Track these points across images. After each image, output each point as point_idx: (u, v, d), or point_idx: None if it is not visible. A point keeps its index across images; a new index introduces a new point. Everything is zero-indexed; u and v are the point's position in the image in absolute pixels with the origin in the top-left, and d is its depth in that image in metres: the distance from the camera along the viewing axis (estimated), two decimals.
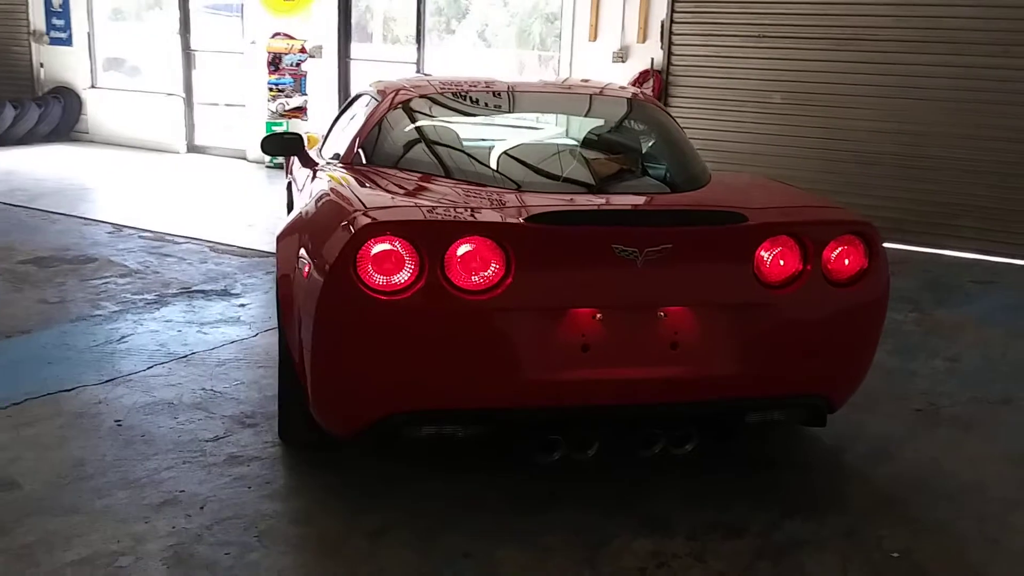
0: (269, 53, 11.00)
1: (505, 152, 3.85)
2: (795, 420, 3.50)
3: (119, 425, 3.88)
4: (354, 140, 4.14)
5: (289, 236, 3.48)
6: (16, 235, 7.10)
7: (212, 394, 4.24)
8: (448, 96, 4.20)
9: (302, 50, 10.94)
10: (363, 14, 12.70)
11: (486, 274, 2.95)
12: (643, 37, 9.00)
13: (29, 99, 12.35)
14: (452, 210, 3.10)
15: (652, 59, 8.96)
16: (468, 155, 3.80)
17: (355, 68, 10.91)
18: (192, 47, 11.98)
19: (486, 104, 4.27)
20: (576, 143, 4.16)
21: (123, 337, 4.94)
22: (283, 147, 4.93)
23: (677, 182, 3.71)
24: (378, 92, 4.35)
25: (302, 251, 3.21)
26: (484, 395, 3.05)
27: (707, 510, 3.36)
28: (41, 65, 13.01)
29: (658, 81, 8.94)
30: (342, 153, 4.15)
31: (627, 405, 3.16)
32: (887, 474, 3.76)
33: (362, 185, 3.47)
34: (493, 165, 3.72)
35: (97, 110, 12.65)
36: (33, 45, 12.96)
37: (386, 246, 2.90)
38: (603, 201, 3.43)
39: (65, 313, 5.32)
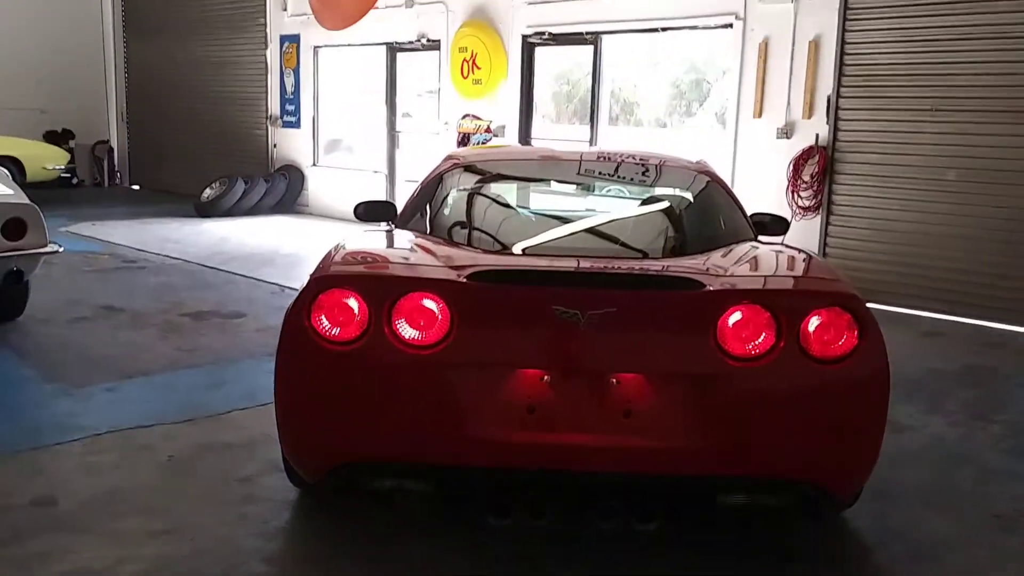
0: (459, 133, 11.64)
1: (511, 220, 3.92)
2: (789, 509, 3.22)
3: (170, 460, 4.24)
4: (405, 205, 4.37)
5: None
6: (191, 292, 7.93)
7: (266, 438, 4.51)
8: (493, 166, 4.34)
9: (487, 130, 11.48)
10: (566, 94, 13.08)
11: (430, 329, 3.01)
12: (809, 113, 8.69)
13: (260, 175, 13.75)
14: (403, 267, 3.20)
15: (817, 135, 8.62)
16: (483, 222, 3.90)
17: (535, 145, 11.29)
18: (396, 128, 12.89)
19: (529, 173, 4.35)
20: (597, 210, 4.14)
21: (223, 383, 5.38)
22: (376, 214, 5.23)
23: (677, 249, 3.60)
24: (442, 161, 4.57)
25: None
26: (430, 450, 3.09)
27: None
28: (275, 145, 14.49)
29: (823, 158, 8.57)
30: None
31: (577, 472, 3.06)
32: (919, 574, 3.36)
33: (359, 245, 3.64)
34: (497, 231, 3.79)
35: (317, 186, 13.86)
36: (269, 128, 14.48)
37: (337, 298, 3.05)
38: (558, 263, 3.38)
39: (191, 360, 5.87)
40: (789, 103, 8.82)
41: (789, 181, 8.78)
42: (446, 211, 4.03)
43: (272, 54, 14.23)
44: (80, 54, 17.06)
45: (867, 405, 3.09)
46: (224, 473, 4.10)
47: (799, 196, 8.75)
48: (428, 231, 3.91)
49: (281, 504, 3.80)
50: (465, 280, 3.01)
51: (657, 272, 3.24)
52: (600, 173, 4.26)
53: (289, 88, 14.08)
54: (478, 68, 11.32)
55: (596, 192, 4.34)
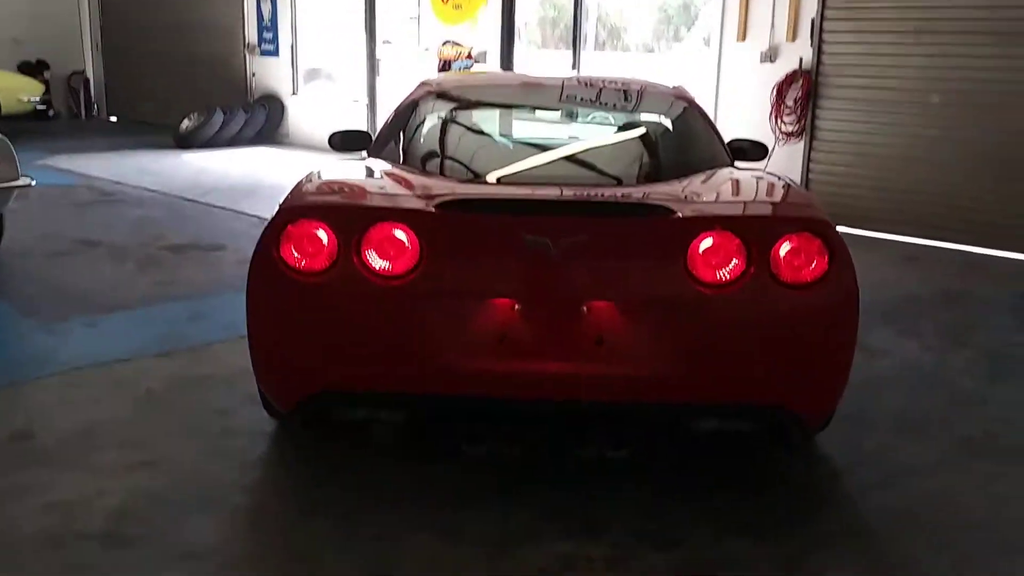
0: (440, 60, 11.46)
1: (486, 148, 3.87)
2: (761, 433, 3.26)
3: (148, 393, 4.24)
4: (378, 134, 4.31)
5: None
6: (170, 225, 7.86)
7: (244, 370, 4.49)
8: (466, 94, 4.27)
9: (468, 56, 11.31)
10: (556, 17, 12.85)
11: (399, 259, 2.99)
12: (793, 36, 8.57)
13: (239, 106, 13.53)
14: (372, 197, 3.16)
15: (800, 59, 8.51)
16: (456, 150, 3.85)
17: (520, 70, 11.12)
18: (376, 56, 12.67)
19: (505, 100, 4.29)
20: (573, 136, 4.09)
21: (202, 316, 5.37)
22: (351, 144, 5.16)
23: (652, 175, 3.57)
24: (416, 88, 4.49)
25: None
26: (401, 380, 3.09)
27: (651, 521, 3.21)
28: (253, 75, 14.24)
29: (807, 82, 8.48)
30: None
31: (549, 401, 3.08)
32: (884, 504, 3.40)
33: (329, 175, 3.59)
34: (471, 160, 3.74)
35: (297, 116, 13.66)
36: (247, 57, 14.21)
37: (306, 229, 3.02)
38: (527, 191, 3.35)
39: (169, 293, 5.84)
40: (773, 26, 8.69)
41: (772, 106, 8.70)
42: (419, 140, 3.98)
43: None
44: None
45: (837, 330, 3.10)
46: (202, 406, 4.11)
47: (782, 121, 8.68)
48: (401, 160, 3.86)
49: (259, 436, 3.82)
50: (434, 209, 2.98)
51: (627, 199, 3.21)
52: (577, 99, 4.20)
53: (266, 15, 13.78)
54: None
55: (572, 119, 4.28)
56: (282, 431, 3.83)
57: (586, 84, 4.28)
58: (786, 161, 8.71)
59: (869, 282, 6.34)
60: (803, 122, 8.60)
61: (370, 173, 3.65)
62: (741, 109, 8.94)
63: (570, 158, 3.78)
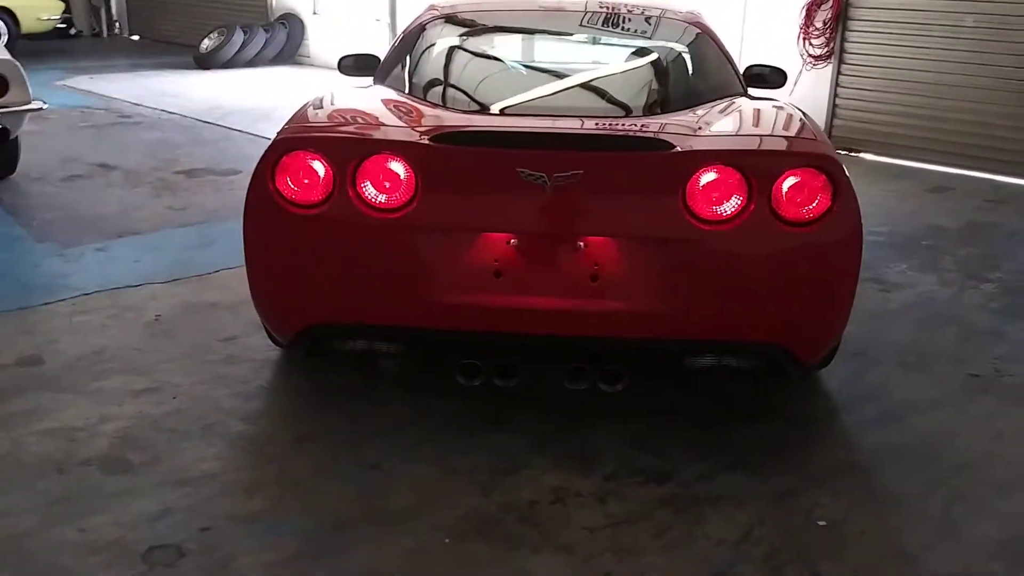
0: None
1: (493, 77, 3.78)
2: (755, 371, 3.23)
3: (156, 320, 4.28)
4: (384, 59, 4.24)
5: None
6: (187, 148, 7.84)
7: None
8: (475, 19, 4.17)
9: None
10: None
11: (395, 192, 2.96)
12: None
13: (258, 25, 13.37)
14: (368, 128, 3.11)
15: None
16: (460, 79, 3.77)
17: None
18: None
19: (511, 25, 4.18)
20: (582, 64, 3.98)
21: (213, 241, 5.38)
22: (361, 68, 5.07)
23: (660, 105, 3.48)
24: (424, 10, 4.39)
25: None
26: (396, 313, 3.09)
27: (644, 454, 3.22)
28: None
29: (837, 3, 8.20)
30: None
31: (544, 335, 3.06)
32: (880, 441, 3.38)
33: (328, 103, 3.54)
34: (476, 89, 3.66)
35: (317, 35, 13.48)
36: None
37: (301, 161, 2.98)
38: (524, 123, 3.28)
39: (182, 218, 5.86)
40: None
41: (800, 28, 8.45)
42: (423, 67, 3.89)
43: None
44: None
45: (838, 269, 3.04)
46: (208, 333, 4.14)
47: (810, 44, 8.44)
48: (406, 88, 3.79)
49: (262, 363, 3.85)
50: (428, 142, 2.93)
51: (624, 133, 3.13)
52: (589, 25, 4.08)
53: None
54: None
55: (583, 46, 4.16)
56: (285, 358, 3.86)
57: (599, 9, 4.16)
58: (814, 86, 8.50)
59: (893, 213, 6.34)
60: (832, 45, 8.35)
61: (371, 102, 3.58)
62: (768, 31, 8.69)
63: (577, 87, 3.68)
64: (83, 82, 11.31)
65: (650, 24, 4.09)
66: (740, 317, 3.04)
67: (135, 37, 16.90)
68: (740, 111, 3.48)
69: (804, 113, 3.55)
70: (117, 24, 17.06)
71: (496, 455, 3.19)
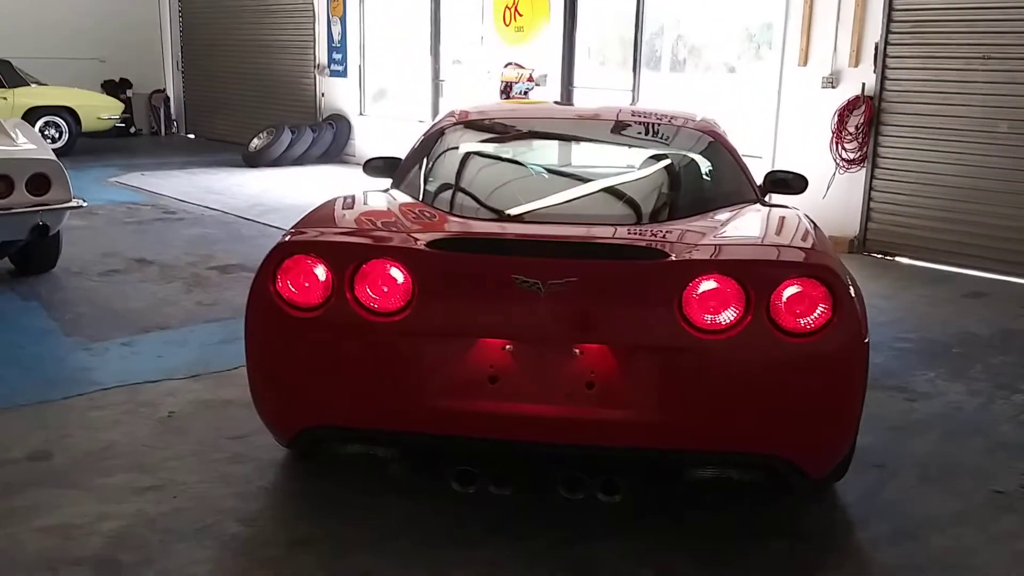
0: (502, 82, 11.49)
1: (503, 183, 3.83)
2: (761, 484, 3.13)
3: (169, 416, 4.31)
4: (402, 162, 4.33)
5: None
6: (223, 245, 8.03)
7: None
8: (491, 125, 4.26)
9: (530, 79, 11.31)
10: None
11: (392, 297, 2.98)
12: (855, 61, 8.34)
13: (307, 125, 13.79)
14: (369, 233, 3.15)
15: (863, 84, 8.27)
16: (469, 185, 3.82)
17: (577, 95, 11.09)
18: (440, 77, 12.79)
19: (526, 134, 4.26)
20: (586, 173, 4.02)
21: (236, 338, 5.42)
22: (384, 171, 5.18)
23: (665, 214, 3.49)
24: (443, 116, 4.50)
25: None
26: (392, 417, 3.07)
27: (644, 570, 3.12)
28: (322, 95, 14.52)
29: (869, 108, 8.23)
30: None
31: (539, 443, 3.02)
32: (894, 560, 3.23)
33: (338, 207, 3.60)
34: (485, 195, 3.71)
35: (364, 135, 13.86)
36: (317, 77, 14.50)
37: (301, 264, 3.03)
38: (520, 230, 3.31)
39: (209, 314, 5.95)
40: (836, 50, 8.47)
41: (833, 132, 8.47)
42: (435, 172, 3.96)
43: (319, 1, 14.18)
44: (137, 3, 17.25)
45: (840, 381, 2.97)
46: (218, 431, 4.16)
47: (843, 148, 8.45)
48: (419, 192, 3.85)
49: (267, 464, 3.84)
50: (425, 247, 2.96)
51: (618, 241, 3.13)
52: (600, 134, 4.16)
53: (336, 36, 14.04)
54: (520, 15, 11.14)
55: (594, 153, 4.22)
56: (290, 458, 3.85)
57: (613, 118, 4.23)
58: (847, 190, 8.49)
59: (925, 319, 6.22)
60: (865, 149, 8.36)
61: (379, 205, 3.65)
62: (801, 135, 8.74)
63: (584, 194, 3.71)
64: (134, 179, 11.70)
65: (658, 132, 4.14)
66: (740, 429, 2.97)
67: (191, 136, 17.54)
68: (745, 219, 3.47)
69: (812, 222, 3.53)
70: (175, 123, 17.74)
71: (490, 567, 3.11)
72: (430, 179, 3.86)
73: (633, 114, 4.22)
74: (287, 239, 3.10)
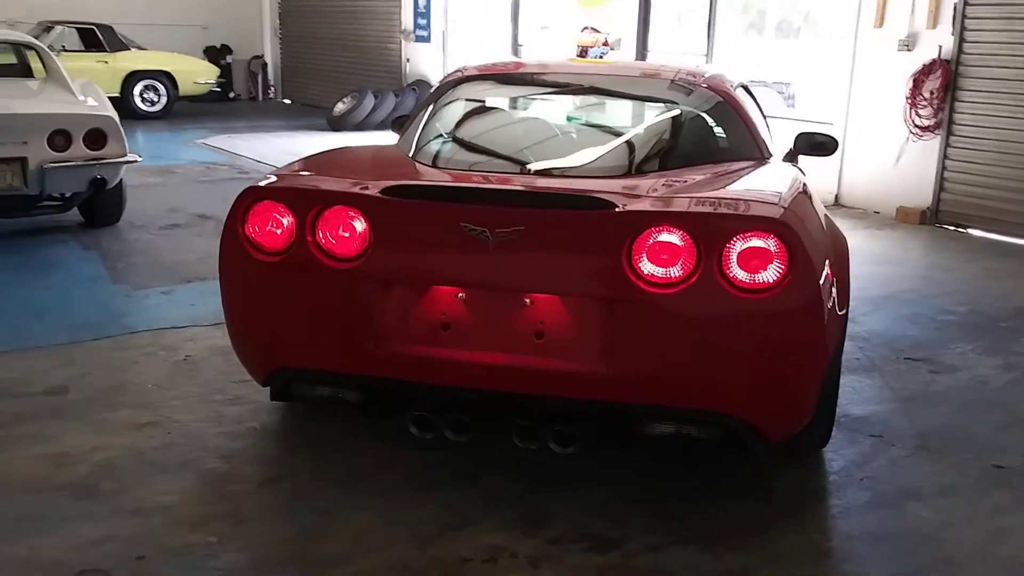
0: (578, 47, 11.39)
1: (485, 136, 3.84)
2: (714, 441, 3.07)
3: (185, 360, 4.50)
4: (409, 115, 4.39)
5: None
6: None
7: None
8: (488, 80, 4.26)
9: (605, 43, 11.18)
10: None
11: (351, 243, 3.04)
12: (933, 22, 7.94)
13: (389, 90, 13.98)
14: (332, 181, 3.20)
15: (940, 47, 7.88)
16: (450, 137, 3.83)
17: (650, 59, 10.90)
18: (518, 42, 12.77)
19: (521, 89, 4.25)
20: (572, 128, 3.97)
21: None
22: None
23: (636, 167, 3.44)
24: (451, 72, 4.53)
25: None
26: (352, 362, 3.13)
27: (599, 520, 3.12)
28: (407, 60, 14.68)
29: (946, 72, 7.84)
30: None
31: (490, 391, 3.03)
32: (862, 527, 3.14)
33: (324, 157, 3.68)
34: (461, 148, 3.74)
35: None
36: (402, 42, 14.66)
37: (268, 209, 3.11)
38: (472, 179, 3.31)
39: None
40: (913, 10, 8.09)
41: (907, 98, 8.11)
42: (427, 125, 3.98)
43: None
44: None
45: (796, 340, 2.87)
46: (226, 375, 4.31)
47: (917, 114, 8.08)
48: (410, 145, 3.88)
49: (263, 407, 3.95)
50: (379, 195, 3.00)
51: (563, 190, 3.09)
52: (592, 89, 4.11)
53: (422, 1, 14.15)
54: None
55: (584, 110, 4.17)
56: (281, 404, 3.97)
57: (614, 73, 4.18)
58: (920, 158, 8.14)
59: (981, 292, 5.96)
60: (940, 116, 7.97)
61: (364, 156, 3.71)
62: (874, 101, 8.40)
63: (559, 148, 3.67)
64: (220, 141, 12.11)
65: (659, 88, 4.06)
66: (690, 384, 2.92)
67: (287, 101, 18.01)
68: (725, 174, 3.38)
69: (802, 183, 3.41)
70: (272, 88, 18.23)
71: (448, 510, 3.16)
72: (421, 132, 3.89)
73: (639, 70, 4.16)
74: (254, 185, 3.18)
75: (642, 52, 11.00)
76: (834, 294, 3.09)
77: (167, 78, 14.39)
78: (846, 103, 8.69)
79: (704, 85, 4.02)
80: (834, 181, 8.80)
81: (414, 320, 3.05)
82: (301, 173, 3.40)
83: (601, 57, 11.16)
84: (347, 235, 3.04)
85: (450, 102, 4.08)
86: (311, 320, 3.15)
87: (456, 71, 4.46)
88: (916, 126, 8.09)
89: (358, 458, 3.53)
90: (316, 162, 3.64)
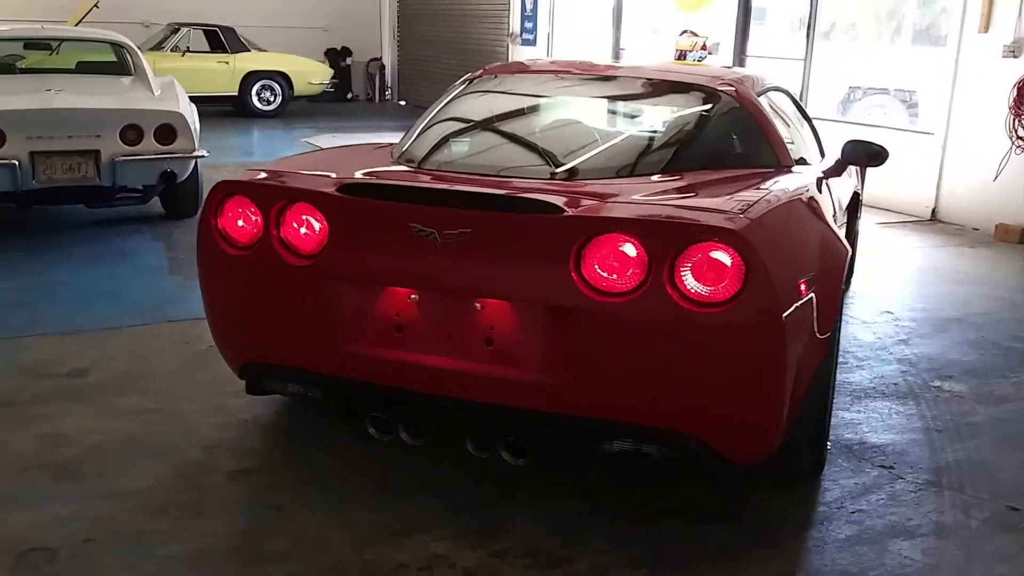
0: (676, 51, 11.17)
1: (473, 138, 3.79)
2: (678, 462, 2.91)
3: (207, 350, 4.58)
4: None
5: None
6: None
7: None
8: (498, 80, 4.21)
9: (703, 47, 10.91)
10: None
11: (310, 240, 3.04)
12: None
13: None
14: (296, 177, 3.21)
15: None
16: (434, 137, 3.79)
17: (749, 63, 10.56)
18: (620, 46, 12.62)
19: (525, 90, 4.17)
20: (572, 128, 3.84)
21: None
22: None
23: (629, 171, 3.33)
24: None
25: None
26: (313, 360, 3.13)
27: (553, 538, 3.01)
28: None
29: None
30: None
31: (440, 396, 2.97)
32: (835, 565, 2.90)
33: (310, 155, 3.70)
34: (444, 148, 3.70)
35: None
36: (509, 45, 14.71)
37: (238, 203, 3.15)
38: (422, 180, 3.26)
39: None
40: (1020, 15, 7.54)
41: (1011, 108, 7.57)
42: (426, 124, 3.96)
43: None
44: None
45: (754, 358, 2.69)
46: None
47: (1021, 125, 7.52)
48: (405, 142, 3.89)
49: (263, 401, 4.00)
50: (334, 192, 2.98)
51: (510, 193, 2.97)
52: (595, 95, 4.00)
53: (528, 5, 14.16)
54: None
55: (587, 112, 4.03)
56: (282, 398, 4.01)
57: (626, 75, 4.06)
58: (1021, 173, 7.57)
59: None
60: None
61: (349, 154, 3.73)
62: (977, 110, 7.87)
63: (546, 151, 3.56)
64: (323, 139, 12.41)
65: (667, 91, 3.91)
66: (641, 400, 2.77)
67: (402, 102, 18.35)
68: (707, 180, 3.21)
69: (806, 190, 3.21)
70: (389, 90, 18.62)
71: (402, 516, 3.12)
72: (417, 133, 3.88)
73: (648, 71, 4.02)
74: (225, 179, 3.23)
75: (739, 57, 10.67)
76: (811, 314, 2.88)
77: (283, 78, 14.88)
78: (947, 112, 8.18)
79: (719, 89, 3.84)
80: (931, 196, 8.30)
81: (369, 320, 3.02)
82: (277, 170, 3.43)
83: (700, 60, 10.90)
84: (307, 232, 3.04)
85: (450, 102, 4.05)
86: (277, 316, 3.17)
87: (482, 69, 4.41)
88: (1019, 137, 7.54)
89: (332, 457, 3.53)
90: (304, 159, 3.67)
